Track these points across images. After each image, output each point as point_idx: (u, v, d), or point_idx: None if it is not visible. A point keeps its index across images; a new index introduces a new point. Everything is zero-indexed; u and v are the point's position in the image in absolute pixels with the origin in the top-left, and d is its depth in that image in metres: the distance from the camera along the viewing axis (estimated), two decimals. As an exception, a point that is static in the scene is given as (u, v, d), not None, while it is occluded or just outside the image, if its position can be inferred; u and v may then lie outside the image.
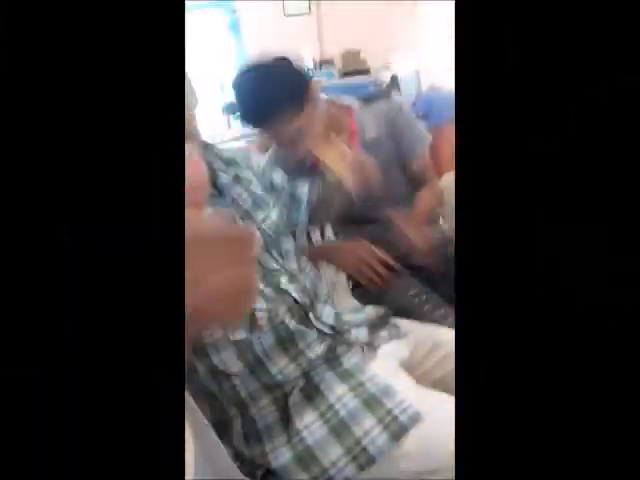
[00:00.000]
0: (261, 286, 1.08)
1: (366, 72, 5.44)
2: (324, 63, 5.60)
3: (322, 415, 1.08)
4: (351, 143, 1.66)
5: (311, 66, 5.46)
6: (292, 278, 1.19)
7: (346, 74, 5.39)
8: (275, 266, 1.16)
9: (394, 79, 5.02)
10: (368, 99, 1.72)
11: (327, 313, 1.23)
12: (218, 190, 1.18)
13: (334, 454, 1.03)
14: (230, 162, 1.25)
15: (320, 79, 5.19)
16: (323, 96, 1.69)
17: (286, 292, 1.14)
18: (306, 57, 5.42)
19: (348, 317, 1.29)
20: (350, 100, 1.72)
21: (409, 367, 1.25)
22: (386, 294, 1.60)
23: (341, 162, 1.42)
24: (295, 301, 1.15)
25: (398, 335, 1.32)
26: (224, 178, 1.20)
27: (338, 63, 5.59)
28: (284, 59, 1.48)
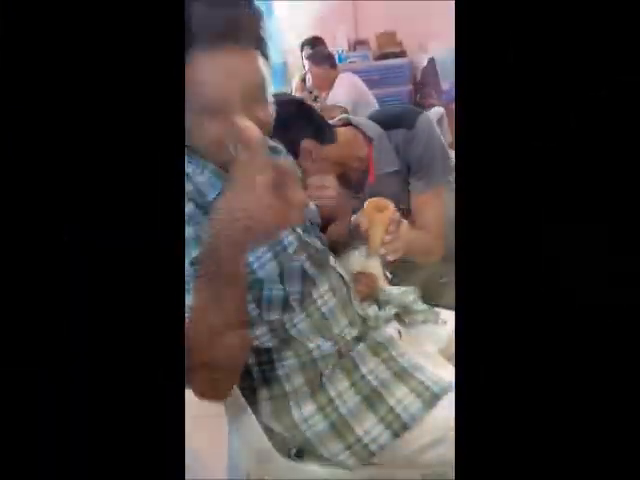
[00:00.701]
0: (307, 264, 1.09)
1: (402, 55, 5.36)
2: (359, 44, 5.52)
3: (354, 385, 1.10)
4: (367, 178, 1.62)
5: (345, 47, 5.40)
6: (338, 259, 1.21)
7: (381, 56, 5.32)
8: (321, 246, 1.17)
9: (431, 62, 4.93)
10: (390, 124, 1.63)
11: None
12: None
13: (368, 422, 1.06)
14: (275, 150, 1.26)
15: (355, 60, 5.15)
16: (340, 124, 1.65)
17: (333, 269, 1.16)
18: (340, 38, 5.36)
19: (382, 297, 1.33)
20: (370, 128, 1.63)
21: (449, 356, 1.26)
22: (417, 280, 1.58)
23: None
24: (341, 277, 1.17)
25: (435, 320, 1.34)
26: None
27: (373, 45, 5.51)
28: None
